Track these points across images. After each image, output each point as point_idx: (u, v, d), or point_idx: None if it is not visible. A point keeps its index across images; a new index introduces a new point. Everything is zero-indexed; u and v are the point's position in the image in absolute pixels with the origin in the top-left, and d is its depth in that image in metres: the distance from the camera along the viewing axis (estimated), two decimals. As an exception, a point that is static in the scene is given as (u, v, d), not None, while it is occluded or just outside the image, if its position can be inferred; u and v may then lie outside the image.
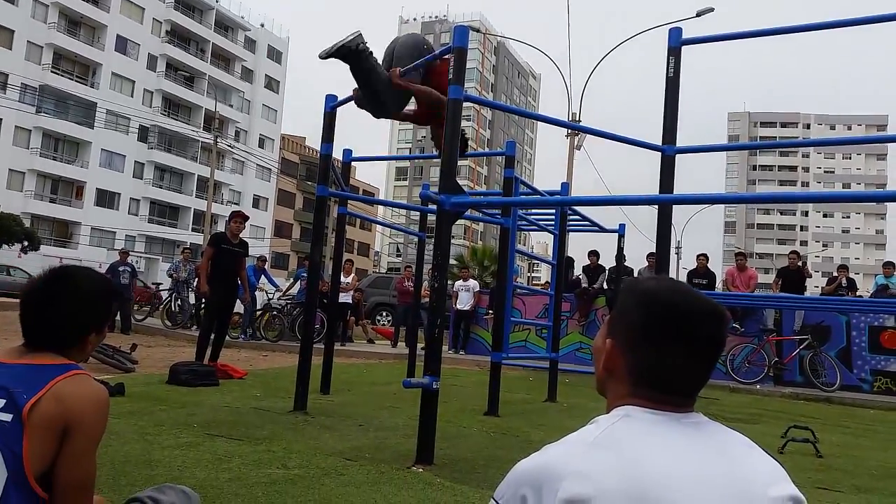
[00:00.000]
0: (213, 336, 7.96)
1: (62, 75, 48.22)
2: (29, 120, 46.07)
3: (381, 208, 64.91)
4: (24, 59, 45.75)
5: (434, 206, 4.66)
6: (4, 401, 1.56)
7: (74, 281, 1.77)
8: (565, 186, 9.05)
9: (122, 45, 52.37)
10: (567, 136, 22.48)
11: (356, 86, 4.99)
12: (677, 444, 1.05)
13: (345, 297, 13.14)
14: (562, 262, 8.80)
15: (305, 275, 9.90)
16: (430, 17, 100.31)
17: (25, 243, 34.34)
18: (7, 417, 1.54)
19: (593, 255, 13.08)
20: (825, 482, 4.47)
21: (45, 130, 47.45)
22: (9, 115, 43.91)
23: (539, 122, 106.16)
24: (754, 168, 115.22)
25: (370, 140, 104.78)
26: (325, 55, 4.50)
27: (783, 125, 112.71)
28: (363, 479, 3.69)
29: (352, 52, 4.49)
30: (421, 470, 3.97)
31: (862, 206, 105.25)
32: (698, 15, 20.09)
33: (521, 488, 1.03)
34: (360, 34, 4.56)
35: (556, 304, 8.48)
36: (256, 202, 62.64)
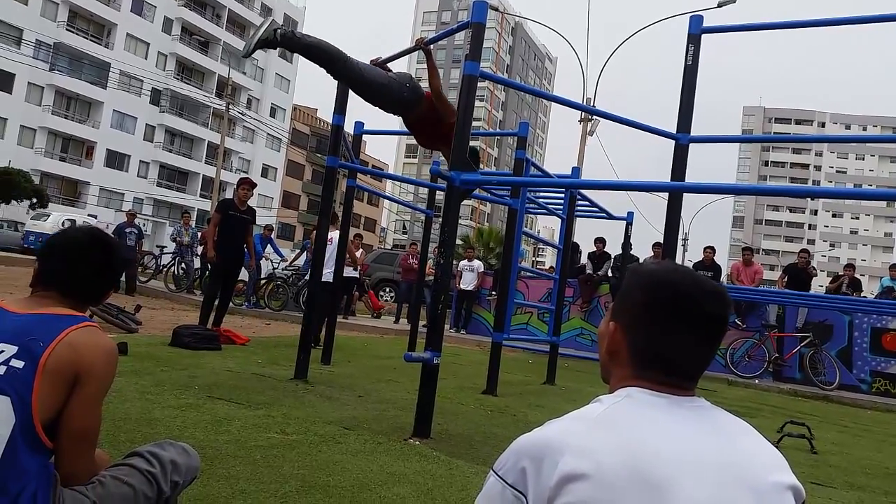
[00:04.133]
0: (217, 301, 7.99)
1: (77, 33, 47.98)
2: (42, 77, 45.95)
3: (388, 185, 64.78)
4: (39, 14, 45.47)
5: (444, 183, 4.65)
6: (17, 348, 1.58)
7: (108, 243, 1.86)
8: (576, 171, 9.00)
9: (139, 6, 52.05)
10: (580, 120, 22.35)
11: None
12: (678, 426, 1.06)
13: (351, 272, 13.14)
14: (568, 247, 8.80)
15: (311, 245, 9.92)
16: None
17: (34, 200, 34.37)
18: (19, 364, 1.57)
19: (600, 241, 13.05)
20: (819, 478, 4.49)
21: (57, 88, 47.31)
22: (22, 70, 43.79)
23: (552, 107, 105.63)
24: (766, 164, 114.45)
25: (383, 116, 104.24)
26: (248, 53, 4.43)
27: (798, 122, 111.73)
28: (360, 448, 3.72)
29: (278, 39, 4.38)
30: (417, 443, 4.00)
31: (871, 207, 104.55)
32: (720, 5, 19.87)
33: (522, 461, 1.04)
34: (272, 19, 4.52)
35: (560, 289, 8.48)
36: (265, 171, 62.58)
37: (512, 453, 1.07)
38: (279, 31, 4.37)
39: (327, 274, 8.32)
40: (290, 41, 4.46)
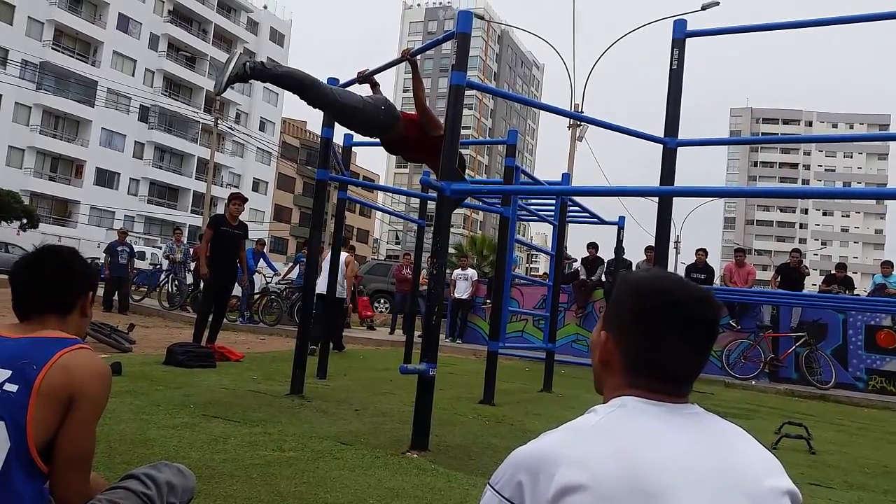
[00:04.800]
0: (210, 318, 7.96)
1: (63, 52, 47.91)
2: (29, 97, 45.83)
3: (380, 195, 64.78)
4: (24, 34, 45.42)
5: (434, 193, 4.65)
6: (10, 372, 1.58)
7: (56, 250, 1.85)
8: (566, 177, 9.03)
9: (124, 23, 52.05)
10: (569, 126, 22.43)
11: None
12: (673, 434, 1.06)
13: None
14: (561, 253, 8.80)
15: (304, 259, 9.89)
16: (435, 3, 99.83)
17: (24, 221, 34.23)
18: (13, 388, 1.56)
19: (592, 247, 13.07)
20: (817, 478, 4.49)
21: (45, 108, 47.21)
22: (9, 91, 43.67)
23: (541, 113, 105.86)
24: (755, 164, 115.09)
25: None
26: (220, 90, 4.39)
27: (785, 122, 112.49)
28: (358, 463, 3.70)
29: (249, 73, 4.37)
30: (415, 455, 3.98)
31: (861, 205, 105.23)
32: (703, 8, 20.00)
33: (518, 474, 1.04)
34: (240, 52, 4.52)
35: (554, 296, 8.49)
36: (256, 185, 62.51)
37: (508, 466, 1.07)
38: (248, 64, 4.36)
39: (341, 290, 9.71)
40: (260, 73, 4.44)
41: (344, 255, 9.86)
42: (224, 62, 4.41)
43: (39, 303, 1.75)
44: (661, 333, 1.11)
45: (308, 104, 4.83)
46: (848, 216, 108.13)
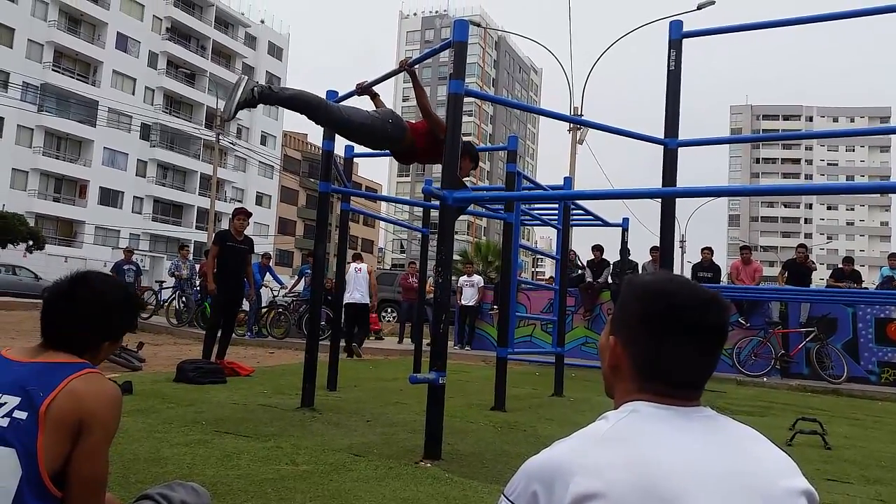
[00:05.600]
0: (219, 333, 7.97)
1: (63, 73, 48.20)
2: (31, 119, 46.09)
3: (384, 204, 64.85)
4: (24, 57, 45.74)
5: (437, 202, 4.66)
6: (20, 399, 1.58)
7: (96, 287, 1.79)
8: (568, 181, 9.02)
9: (123, 42, 52.35)
10: (569, 130, 22.44)
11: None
12: (686, 438, 1.05)
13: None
14: (566, 257, 8.79)
15: (309, 271, 9.90)
16: (431, 12, 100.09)
17: (30, 243, 34.36)
18: (22, 415, 1.56)
19: (597, 249, 13.05)
20: (834, 474, 4.46)
21: (47, 129, 47.46)
22: (11, 114, 43.93)
23: (542, 117, 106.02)
24: (757, 161, 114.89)
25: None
26: (229, 117, 4.44)
27: (785, 118, 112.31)
28: (371, 474, 3.70)
29: (257, 98, 4.40)
30: (429, 465, 3.97)
31: (866, 198, 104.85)
32: (699, 8, 20.02)
33: (532, 484, 1.04)
34: (247, 78, 4.55)
35: (561, 299, 8.47)
36: (259, 199, 62.68)
37: (522, 477, 1.07)
38: (256, 89, 4.39)
39: (360, 297, 11.38)
40: (268, 97, 4.47)
41: (365, 266, 11.91)
42: (231, 87, 4.43)
43: (59, 340, 1.73)
44: (668, 338, 1.11)
45: (316, 124, 4.86)
46: (853, 209, 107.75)
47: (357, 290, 11.38)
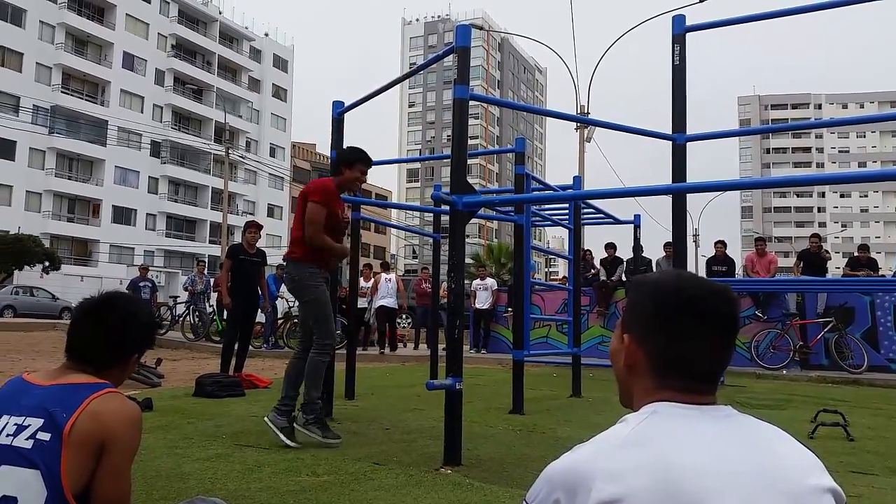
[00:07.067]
0: (236, 347, 8.01)
1: (72, 95, 48.75)
2: (42, 141, 46.62)
3: (394, 211, 64.96)
4: (34, 80, 46.31)
5: (447, 207, 4.66)
6: (43, 420, 1.60)
7: (127, 308, 1.86)
8: (577, 180, 9.00)
9: (130, 61, 52.86)
10: (577, 129, 22.41)
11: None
12: (708, 438, 1.05)
13: (364, 303, 13.19)
14: (578, 257, 8.78)
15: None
16: (433, 17, 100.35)
17: (46, 264, 34.68)
18: (46, 437, 1.58)
19: (610, 247, 13.02)
20: (858, 465, 4.42)
21: (58, 150, 47.98)
22: (23, 137, 44.46)
23: (548, 116, 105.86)
24: (768, 151, 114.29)
25: (380, 143, 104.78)
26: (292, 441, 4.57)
27: (794, 106, 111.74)
28: (392, 482, 3.70)
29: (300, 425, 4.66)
30: (450, 471, 3.97)
31: (880, 184, 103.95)
32: (701, 0, 19.94)
33: (555, 492, 1.04)
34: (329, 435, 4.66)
35: (576, 299, 8.45)
36: (271, 211, 63.00)
37: (544, 483, 1.07)
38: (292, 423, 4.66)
39: (391, 302, 13.22)
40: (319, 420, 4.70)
41: (393, 275, 13.91)
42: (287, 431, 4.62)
43: (86, 357, 1.78)
44: (682, 330, 1.12)
45: None
46: (866, 196, 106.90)
47: (388, 295, 13.24)
